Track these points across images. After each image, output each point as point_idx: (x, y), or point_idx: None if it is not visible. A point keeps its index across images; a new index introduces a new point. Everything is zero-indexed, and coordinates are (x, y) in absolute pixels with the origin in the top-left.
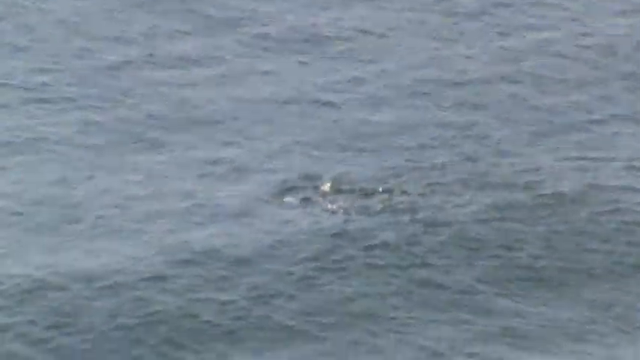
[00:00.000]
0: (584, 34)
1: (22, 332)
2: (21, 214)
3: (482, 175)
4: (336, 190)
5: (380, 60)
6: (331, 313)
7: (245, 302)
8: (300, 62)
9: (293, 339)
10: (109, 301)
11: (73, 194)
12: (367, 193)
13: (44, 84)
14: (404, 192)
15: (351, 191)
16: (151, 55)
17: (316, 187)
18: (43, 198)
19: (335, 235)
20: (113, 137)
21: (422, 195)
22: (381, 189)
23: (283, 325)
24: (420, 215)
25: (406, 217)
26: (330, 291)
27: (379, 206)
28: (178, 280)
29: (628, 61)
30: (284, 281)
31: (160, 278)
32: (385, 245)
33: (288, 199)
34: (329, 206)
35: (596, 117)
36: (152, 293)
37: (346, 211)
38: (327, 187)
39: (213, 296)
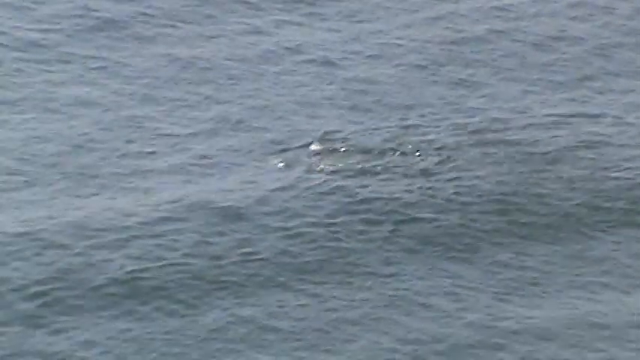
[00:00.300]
0: None
1: (18, 286)
2: (16, 170)
3: (479, 132)
4: (331, 148)
5: (377, 19)
6: (323, 269)
7: (238, 257)
8: (296, 21)
9: (285, 294)
10: (102, 255)
11: (66, 150)
12: (362, 152)
13: (41, 44)
14: (399, 150)
15: (346, 149)
16: (144, 13)
17: (310, 145)
18: (37, 154)
19: (328, 193)
20: (106, 94)
21: (417, 153)
22: (376, 147)
23: (276, 281)
24: (415, 172)
25: (400, 175)
26: (321, 247)
27: (374, 164)
28: (171, 234)
29: (627, 20)
30: (276, 237)
31: (153, 233)
32: (378, 201)
33: (281, 156)
34: (322, 164)
35: (592, 74)
36: (145, 248)
37: (340, 169)
38: (321, 145)
39: (205, 251)
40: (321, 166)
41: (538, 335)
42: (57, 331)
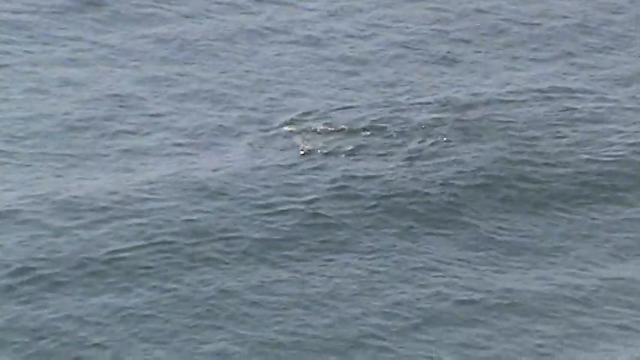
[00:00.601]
0: None
1: (4, 264)
2: (2, 150)
3: (462, 109)
4: (314, 127)
5: None
6: (306, 246)
7: (221, 234)
8: (281, 0)
9: (268, 270)
10: (87, 233)
11: (52, 130)
12: (345, 129)
13: (27, 25)
14: (382, 127)
15: (330, 127)
16: None
17: (290, 124)
18: (23, 134)
19: (310, 171)
20: (92, 74)
21: (401, 130)
22: (359, 125)
23: (259, 257)
24: (398, 149)
25: (383, 152)
26: (304, 224)
27: (357, 141)
28: (155, 212)
29: None
30: (259, 214)
31: (138, 211)
32: (361, 178)
33: (264, 134)
34: (305, 143)
35: (575, 49)
36: (129, 225)
37: (323, 147)
38: (303, 124)
39: (189, 228)
40: (305, 145)
41: (520, 310)
42: (42, 307)
